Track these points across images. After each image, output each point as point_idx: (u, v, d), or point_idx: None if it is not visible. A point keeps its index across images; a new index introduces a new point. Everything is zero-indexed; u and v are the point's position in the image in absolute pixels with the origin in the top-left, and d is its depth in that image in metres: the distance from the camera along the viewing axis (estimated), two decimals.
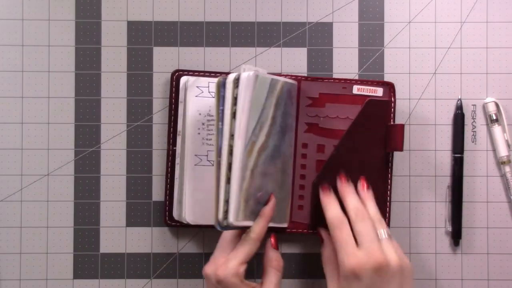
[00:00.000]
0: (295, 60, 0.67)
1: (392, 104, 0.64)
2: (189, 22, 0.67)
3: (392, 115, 0.64)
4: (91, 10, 0.67)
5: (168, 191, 0.65)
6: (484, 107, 0.67)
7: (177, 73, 0.65)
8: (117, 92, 0.67)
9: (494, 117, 0.66)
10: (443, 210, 0.67)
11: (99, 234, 0.67)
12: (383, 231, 0.57)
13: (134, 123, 0.67)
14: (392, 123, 0.64)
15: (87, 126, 0.67)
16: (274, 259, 0.59)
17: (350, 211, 0.58)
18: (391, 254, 0.55)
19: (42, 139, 0.67)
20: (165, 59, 0.67)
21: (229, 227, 0.57)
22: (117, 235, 0.67)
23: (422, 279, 0.67)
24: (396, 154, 0.66)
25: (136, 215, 0.67)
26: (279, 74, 0.67)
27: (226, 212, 0.56)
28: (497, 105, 0.66)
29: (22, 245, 0.67)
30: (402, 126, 0.62)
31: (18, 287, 0.66)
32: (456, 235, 0.66)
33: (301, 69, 0.67)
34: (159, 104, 0.67)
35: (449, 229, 0.66)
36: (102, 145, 0.67)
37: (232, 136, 0.56)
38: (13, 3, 0.67)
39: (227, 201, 0.56)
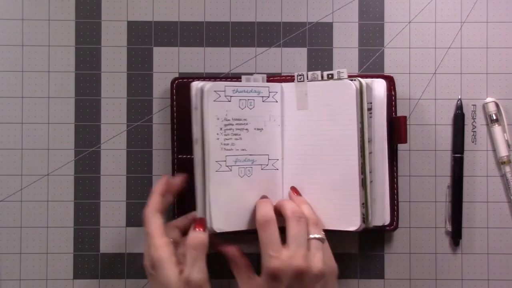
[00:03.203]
0: (295, 60, 0.67)
1: (393, 97, 0.65)
2: (189, 22, 0.67)
3: (393, 108, 0.64)
4: (91, 10, 0.67)
5: (179, 203, 0.65)
6: (484, 107, 0.67)
7: (176, 81, 0.65)
8: (117, 92, 0.67)
9: (494, 117, 0.66)
10: (443, 210, 0.67)
11: (99, 234, 0.67)
12: (316, 235, 0.56)
13: (134, 123, 0.67)
14: (394, 115, 0.65)
15: (87, 126, 0.67)
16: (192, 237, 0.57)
17: (287, 211, 0.57)
18: (316, 260, 0.55)
19: (42, 139, 0.67)
20: (165, 59, 0.67)
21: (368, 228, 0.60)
22: (117, 235, 0.67)
23: (422, 279, 0.67)
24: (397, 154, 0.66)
25: (136, 215, 0.67)
26: (279, 75, 0.67)
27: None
28: (497, 105, 0.66)
29: (22, 245, 0.67)
30: (404, 118, 0.63)
31: (18, 287, 0.66)
32: (456, 235, 0.66)
33: (301, 69, 0.67)
34: (159, 104, 0.67)
35: (449, 229, 0.66)
36: (102, 145, 0.67)
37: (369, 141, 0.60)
38: (13, 3, 0.67)
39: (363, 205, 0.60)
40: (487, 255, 0.67)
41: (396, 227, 0.65)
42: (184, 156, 0.65)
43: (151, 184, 0.67)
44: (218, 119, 0.59)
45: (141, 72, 0.67)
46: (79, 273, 0.67)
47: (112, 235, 0.67)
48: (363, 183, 0.59)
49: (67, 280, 0.67)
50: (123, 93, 0.67)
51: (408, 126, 0.66)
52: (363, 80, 0.60)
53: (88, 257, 0.67)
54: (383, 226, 0.63)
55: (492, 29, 0.67)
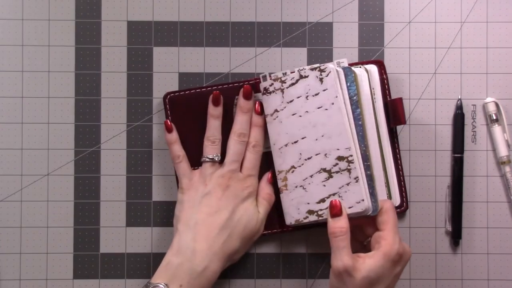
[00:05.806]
0: (295, 60, 0.67)
1: (385, 81, 0.65)
2: (189, 22, 0.67)
3: (387, 91, 0.65)
4: (91, 10, 0.67)
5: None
6: (484, 107, 0.67)
7: (168, 96, 0.65)
8: (117, 92, 0.67)
9: (494, 117, 0.66)
10: (443, 210, 0.67)
11: (99, 234, 0.67)
12: None
13: (134, 123, 0.67)
14: (389, 98, 0.65)
15: (87, 126, 0.67)
16: (266, 191, 0.64)
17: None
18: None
19: (42, 139, 0.67)
20: (165, 59, 0.67)
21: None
22: (117, 235, 0.67)
23: (422, 279, 0.67)
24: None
25: (136, 215, 0.67)
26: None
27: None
28: (497, 105, 0.66)
29: (22, 245, 0.67)
30: (400, 100, 0.63)
31: (18, 287, 0.66)
32: (456, 235, 0.66)
33: None
34: (159, 104, 0.67)
35: (449, 229, 0.66)
36: (102, 145, 0.67)
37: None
38: (13, 3, 0.67)
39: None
40: (487, 255, 0.67)
41: (406, 208, 0.65)
42: None
43: (151, 184, 0.67)
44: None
45: (141, 72, 0.67)
46: (79, 273, 0.67)
47: (112, 235, 0.67)
48: (369, 168, 0.60)
49: (67, 280, 0.67)
50: (123, 93, 0.67)
51: (408, 126, 0.66)
52: (368, 66, 0.63)
53: (88, 257, 0.67)
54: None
55: (492, 29, 0.67)
